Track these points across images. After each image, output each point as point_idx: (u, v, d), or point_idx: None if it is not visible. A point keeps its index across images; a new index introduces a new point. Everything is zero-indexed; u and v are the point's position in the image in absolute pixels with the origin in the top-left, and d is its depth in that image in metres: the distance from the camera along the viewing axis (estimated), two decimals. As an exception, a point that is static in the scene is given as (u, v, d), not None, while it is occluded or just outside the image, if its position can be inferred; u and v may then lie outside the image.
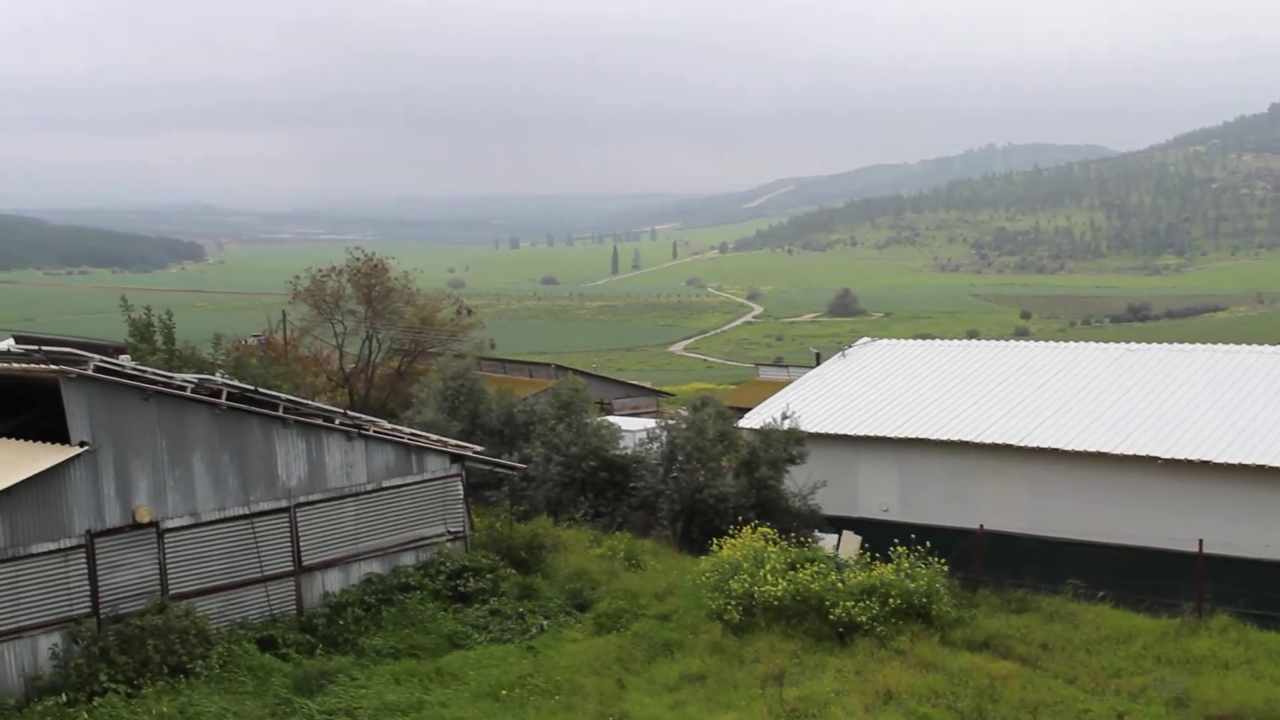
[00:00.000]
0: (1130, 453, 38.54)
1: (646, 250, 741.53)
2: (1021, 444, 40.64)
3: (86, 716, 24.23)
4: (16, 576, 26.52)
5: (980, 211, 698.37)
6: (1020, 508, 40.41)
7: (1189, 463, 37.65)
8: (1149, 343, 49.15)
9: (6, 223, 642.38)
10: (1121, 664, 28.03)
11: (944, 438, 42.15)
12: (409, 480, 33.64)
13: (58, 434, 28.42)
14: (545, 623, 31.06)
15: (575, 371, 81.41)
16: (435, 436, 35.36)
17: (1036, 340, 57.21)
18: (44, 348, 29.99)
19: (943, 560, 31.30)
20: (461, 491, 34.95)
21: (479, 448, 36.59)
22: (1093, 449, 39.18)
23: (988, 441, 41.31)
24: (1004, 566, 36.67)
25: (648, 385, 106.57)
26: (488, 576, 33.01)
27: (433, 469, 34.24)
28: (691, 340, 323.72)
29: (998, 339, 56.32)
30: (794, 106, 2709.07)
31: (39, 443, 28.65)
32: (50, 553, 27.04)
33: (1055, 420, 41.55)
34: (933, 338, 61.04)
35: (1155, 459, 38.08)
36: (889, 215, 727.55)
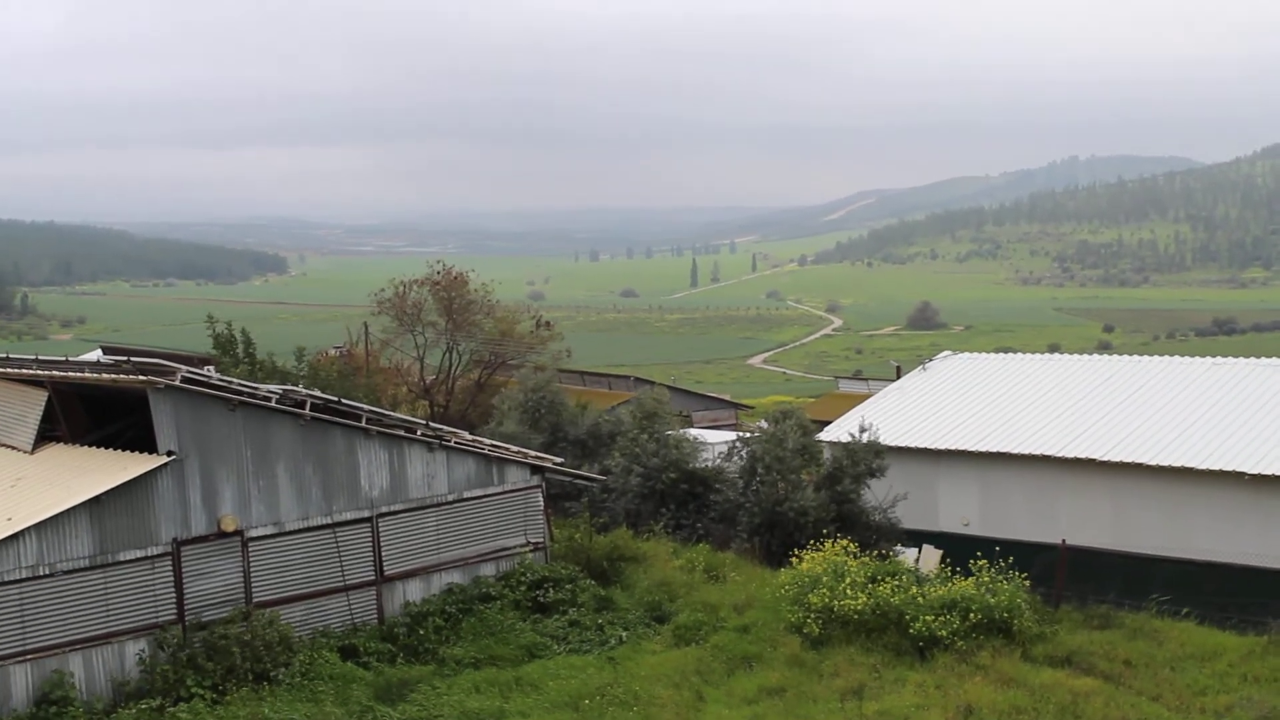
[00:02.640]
0: (1216, 468, 38.08)
1: (726, 263, 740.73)
2: (1105, 458, 40.27)
3: (176, 721, 24.53)
4: (106, 583, 26.97)
5: (1063, 224, 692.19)
6: (1103, 523, 40.03)
7: (1276, 478, 37.14)
8: (1234, 357, 48.55)
9: (96, 235, 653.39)
10: (1207, 682, 27.67)
11: (1026, 452, 41.84)
12: (490, 491, 33.81)
13: (145, 444, 28.84)
14: (624, 634, 31.09)
15: (656, 384, 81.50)
16: (516, 448, 35.51)
17: (1120, 354, 56.55)
18: (132, 359, 30.47)
19: (1024, 575, 31.04)
20: (542, 503, 35.08)
21: (559, 459, 36.69)
22: (1177, 464, 38.76)
23: (1070, 456, 40.96)
24: (1087, 582, 36.32)
25: (727, 398, 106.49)
26: (567, 587, 33.09)
27: (513, 480, 34.39)
28: (770, 353, 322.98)
29: (1080, 353, 55.87)
30: (874, 120, 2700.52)
31: (127, 452, 29.09)
32: (138, 560, 27.47)
33: (1139, 434, 41.13)
34: (1014, 351, 60.58)
35: (1241, 474, 37.61)
36: (970, 228, 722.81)
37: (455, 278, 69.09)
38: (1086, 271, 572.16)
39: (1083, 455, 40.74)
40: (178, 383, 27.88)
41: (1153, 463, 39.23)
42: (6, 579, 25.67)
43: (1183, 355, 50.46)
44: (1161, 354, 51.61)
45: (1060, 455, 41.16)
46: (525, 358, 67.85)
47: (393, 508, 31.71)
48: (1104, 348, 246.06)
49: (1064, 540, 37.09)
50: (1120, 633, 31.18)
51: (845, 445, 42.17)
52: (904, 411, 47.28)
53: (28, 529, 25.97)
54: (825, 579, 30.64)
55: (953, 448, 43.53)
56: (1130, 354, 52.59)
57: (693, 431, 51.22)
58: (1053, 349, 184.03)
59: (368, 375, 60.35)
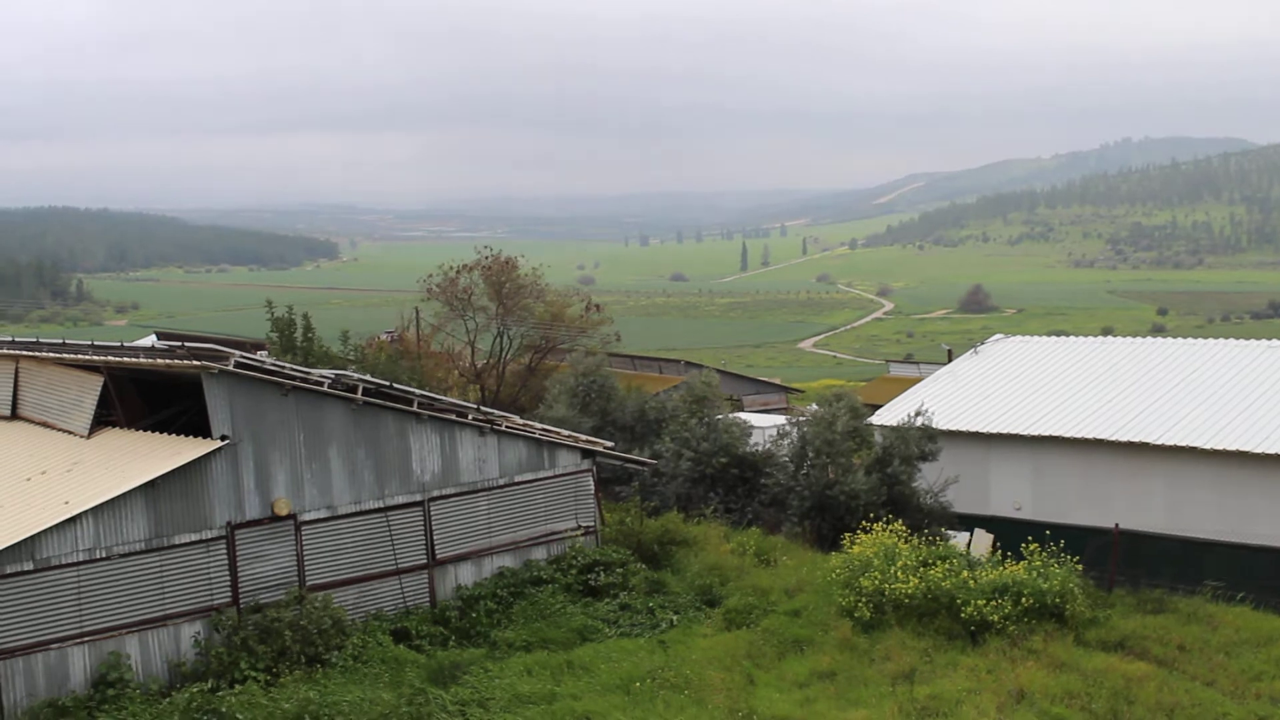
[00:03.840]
0: (1272, 451, 37.72)
1: (776, 247, 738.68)
2: (1158, 442, 39.97)
3: (232, 702, 24.72)
4: (161, 566, 27.25)
5: (1116, 206, 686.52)
6: (1157, 507, 39.76)
7: (1333, 462, 36.78)
8: (1290, 339, 48.07)
9: (149, 222, 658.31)
10: (1262, 667, 27.51)
11: (1079, 435, 41.58)
12: (541, 475, 33.92)
13: (199, 428, 29.10)
14: (675, 617, 31.16)
15: (707, 368, 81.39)
16: (567, 432, 35.60)
17: (1174, 337, 56.08)
18: (186, 344, 30.72)
19: (1077, 559, 30.91)
20: (593, 486, 35.17)
21: (610, 443, 36.76)
22: (1232, 447, 38.42)
23: (1123, 440, 40.67)
24: (1140, 566, 36.14)
25: (777, 382, 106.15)
26: (618, 571, 33.18)
27: (564, 464, 34.49)
28: (821, 337, 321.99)
29: (1133, 335, 55.41)
30: (926, 104, 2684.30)
31: (182, 437, 29.33)
32: (193, 543, 27.73)
33: (1193, 418, 40.79)
34: (1067, 334, 60.21)
35: (1298, 458, 37.24)
36: (1022, 210, 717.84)
37: (505, 262, 69.17)
38: (1140, 254, 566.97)
39: (1136, 439, 40.44)
40: (231, 368, 28.10)
41: (1207, 446, 38.90)
42: (64, 562, 25.99)
43: (1238, 338, 50.01)
44: (1216, 337, 51.18)
45: (1113, 439, 40.87)
46: (575, 341, 67.88)
47: (444, 491, 31.87)
48: (1158, 331, 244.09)
49: (1117, 524, 36.90)
50: (1174, 617, 31.02)
51: (896, 429, 42.05)
52: (956, 395, 47.07)
53: (85, 513, 26.26)
54: (876, 563, 30.60)
55: (1005, 431, 43.30)
56: (1184, 337, 52.14)
57: (743, 415, 51.16)
58: (1106, 332, 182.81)
59: (418, 360, 60.53)
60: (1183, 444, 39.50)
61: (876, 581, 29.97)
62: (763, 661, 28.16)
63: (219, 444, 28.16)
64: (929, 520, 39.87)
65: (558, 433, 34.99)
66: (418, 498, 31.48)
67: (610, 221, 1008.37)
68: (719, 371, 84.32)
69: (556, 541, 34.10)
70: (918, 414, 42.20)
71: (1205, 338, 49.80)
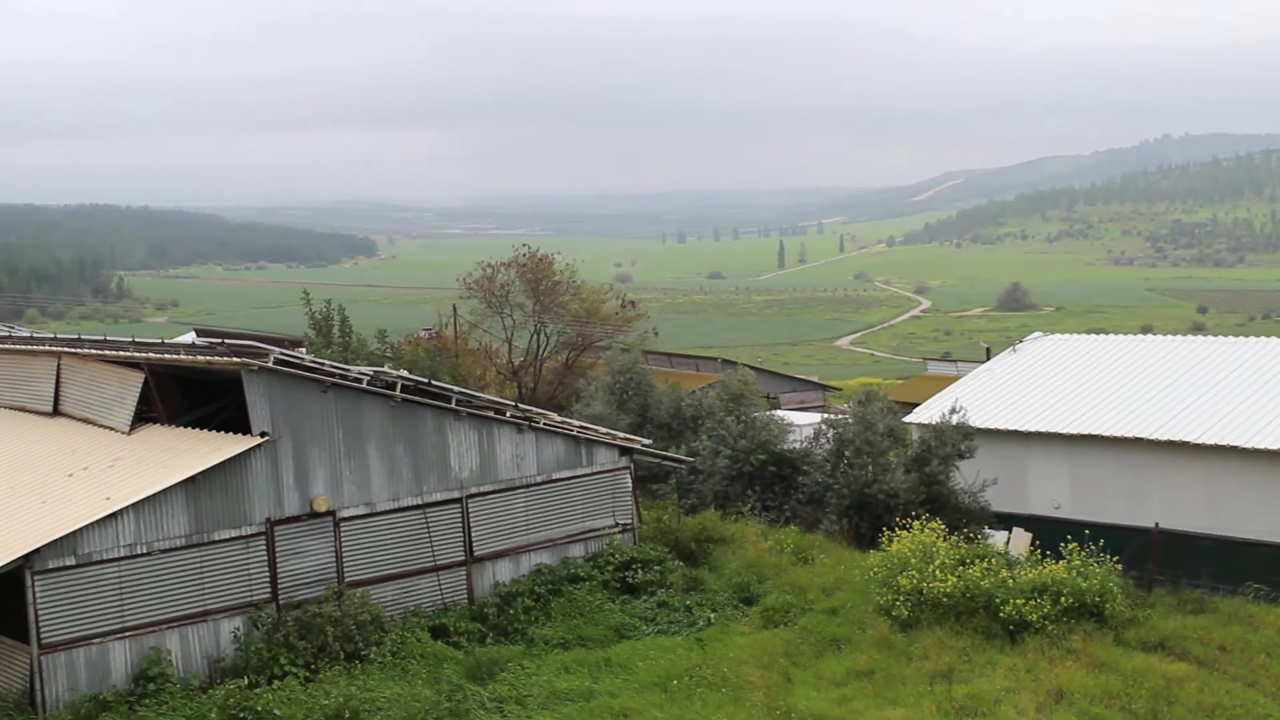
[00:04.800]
0: (1314, 451, 37.43)
1: (813, 244, 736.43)
2: (1198, 441, 39.70)
3: (270, 698, 24.84)
4: (201, 562, 27.43)
5: (1155, 203, 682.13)
6: (1197, 506, 39.49)
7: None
8: (1333, 338, 47.65)
9: (189, 220, 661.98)
10: (1304, 668, 27.32)
11: (1118, 434, 41.35)
12: (578, 472, 33.98)
13: (239, 425, 29.25)
14: (712, 615, 31.16)
15: (743, 366, 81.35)
16: (604, 429, 35.65)
17: (1214, 335, 55.74)
18: (226, 341, 30.90)
19: (1116, 559, 30.77)
20: (630, 484, 35.19)
21: (647, 441, 36.78)
22: (1274, 447, 38.13)
23: (1163, 438, 40.42)
24: (1180, 566, 35.90)
25: (814, 379, 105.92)
26: (656, 569, 33.21)
27: (602, 461, 34.53)
28: (858, 334, 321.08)
29: (1173, 334, 55.04)
30: (964, 100, 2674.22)
31: (222, 433, 29.50)
32: (233, 539, 27.91)
33: (1233, 417, 40.50)
34: (1106, 333, 59.87)
35: (1340, 458, 36.94)
36: (1060, 208, 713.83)
37: (541, 260, 69.40)
38: (1180, 251, 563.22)
39: (1176, 438, 40.19)
40: (271, 364, 28.25)
41: (1248, 445, 38.63)
42: (106, 557, 26.19)
43: (1279, 337, 49.63)
44: (1257, 335, 50.79)
45: (1153, 438, 40.64)
46: (612, 338, 68.01)
47: (482, 488, 31.96)
48: (1198, 329, 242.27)
49: (1157, 524, 36.69)
50: (1214, 618, 30.83)
51: (934, 427, 41.94)
52: (994, 393, 46.89)
53: (126, 509, 26.47)
54: (914, 561, 30.52)
55: (1043, 430, 43.11)
56: (1225, 335, 51.79)
57: (780, 413, 51.10)
58: (1145, 330, 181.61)
59: (455, 357, 60.74)
60: (1223, 443, 39.23)
61: (914, 580, 29.90)
62: (800, 660, 28.14)
63: (259, 440, 28.32)
64: (967, 519, 39.76)
65: (595, 430, 35.04)
66: (456, 495, 31.57)
67: (648, 219, 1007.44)
68: (756, 369, 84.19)
69: (594, 539, 34.15)
70: (954, 412, 42.07)
71: (1246, 336, 49.41)
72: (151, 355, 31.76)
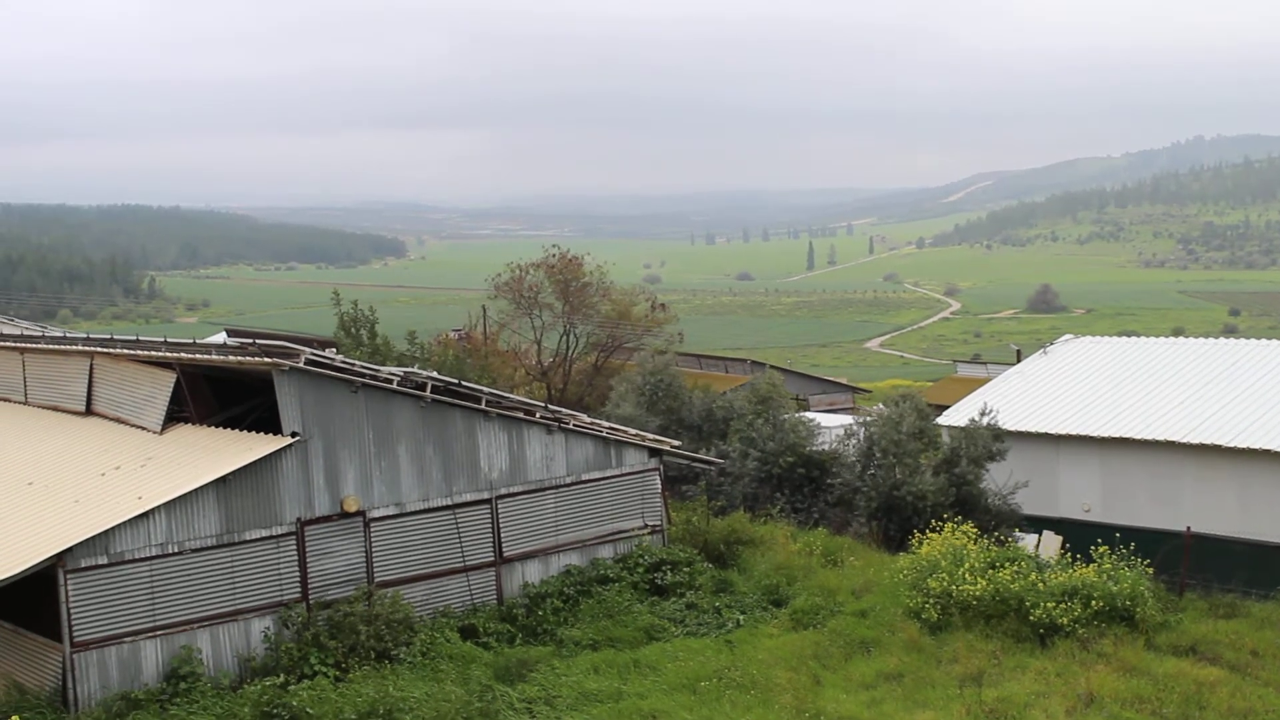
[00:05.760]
0: (1347, 455, 37.20)
1: (842, 246, 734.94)
2: (1230, 444, 39.48)
3: (303, 697, 24.92)
4: (232, 562, 27.56)
5: (1187, 205, 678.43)
6: (1229, 510, 39.29)
7: None
8: (1366, 340, 47.34)
9: (219, 220, 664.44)
10: (1337, 673, 27.15)
11: (1149, 437, 41.15)
12: (608, 474, 34.01)
13: (270, 425, 29.37)
14: (741, 617, 31.15)
15: (771, 367, 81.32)
16: (633, 431, 35.67)
17: (1246, 338, 55.42)
18: (257, 341, 31.02)
19: (1147, 562, 30.65)
20: (659, 485, 35.21)
21: (677, 442, 36.79)
22: (1307, 450, 37.92)
23: (1195, 442, 40.22)
24: (1211, 570, 35.74)
25: (843, 381, 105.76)
26: (685, 570, 33.21)
27: (631, 463, 34.56)
28: (888, 336, 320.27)
29: (1205, 336, 54.75)
30: (993, 102, 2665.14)
31: (252, 433, 29.63)
32: (263, 539, 28.04)
33: (1266, 420, 40.25)
34: (1137, 335, 59.65)
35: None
36: (1091, 210, 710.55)
37: (570, 261, 69.50)
38: (1212, 254, 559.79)
39: (1208, 441, 39.98)
40: (302, 365, 28.36)
41: (1280, 449, 38.42)
42: (137, 556, 26.34)
43: (1312, 339, 49.33)
44: (1290, 338, 50.50)
45: (1184, 441, 40.43)
46: (640, 340, 68.10)
47: (512, 489, 32.03)
48: (1229, 331, 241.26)
49: (1188, 528, 36.53)
50: (1247, 622, 30.70)
51: (964, 429, 41.84)
52: (1024, 396, 46.74)
53: (157, 508, 26.62)
54: (944, 564, 30.47)
55: (1074, 432, 42.93)
56: (1257, 338, 51.49)
57: (809, 415, 51.05)
58: (1177, 333, 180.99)
59: (485, 358, 60.87)
60: (1255, 446, 39.01)
61: (944, 583, 29.84)
62: (829, 662, 28.10)
63: (289, 441, 28.44)
64: (997, 521, 39.65)
65: (625, 431, 35.07)
66: (485, 495, 31.64)
67: (676, 220, 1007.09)
68: (785, 371, 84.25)
69: (623, 540, 34.18)
70: (984, 414, 41.96)
71: (1278, 339, 49.12)
72: (183, 355, 31.91)
